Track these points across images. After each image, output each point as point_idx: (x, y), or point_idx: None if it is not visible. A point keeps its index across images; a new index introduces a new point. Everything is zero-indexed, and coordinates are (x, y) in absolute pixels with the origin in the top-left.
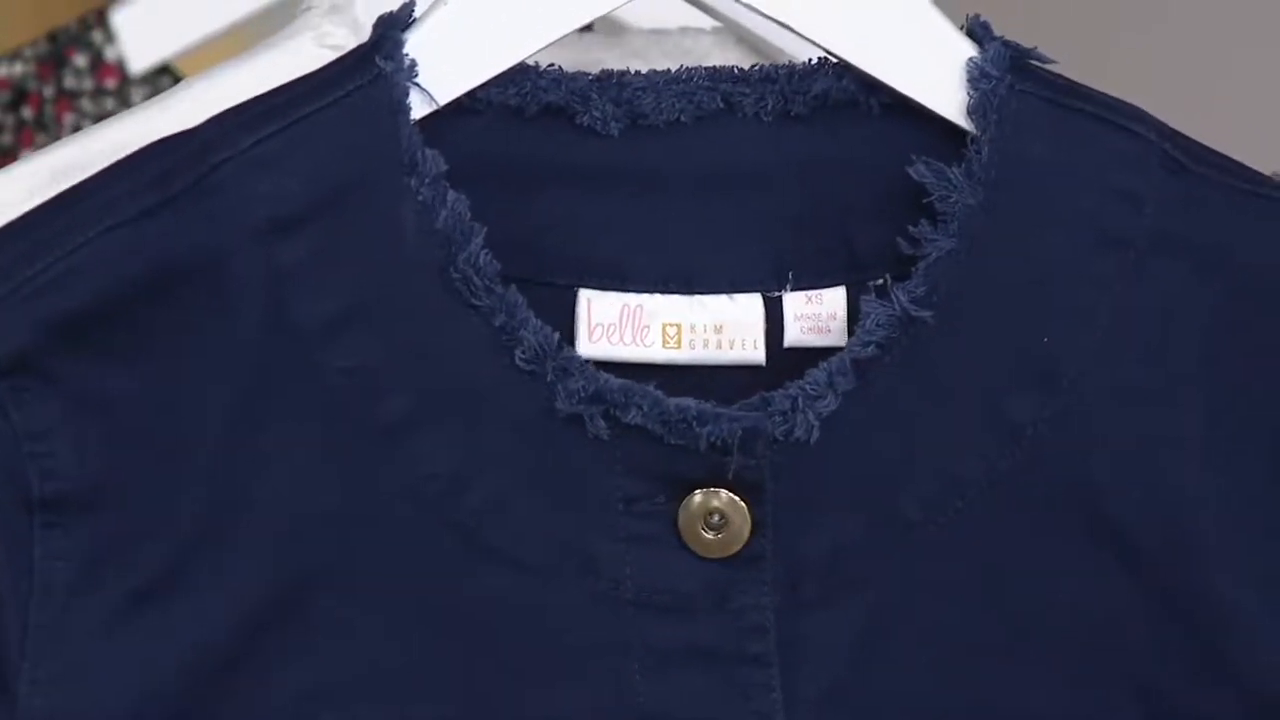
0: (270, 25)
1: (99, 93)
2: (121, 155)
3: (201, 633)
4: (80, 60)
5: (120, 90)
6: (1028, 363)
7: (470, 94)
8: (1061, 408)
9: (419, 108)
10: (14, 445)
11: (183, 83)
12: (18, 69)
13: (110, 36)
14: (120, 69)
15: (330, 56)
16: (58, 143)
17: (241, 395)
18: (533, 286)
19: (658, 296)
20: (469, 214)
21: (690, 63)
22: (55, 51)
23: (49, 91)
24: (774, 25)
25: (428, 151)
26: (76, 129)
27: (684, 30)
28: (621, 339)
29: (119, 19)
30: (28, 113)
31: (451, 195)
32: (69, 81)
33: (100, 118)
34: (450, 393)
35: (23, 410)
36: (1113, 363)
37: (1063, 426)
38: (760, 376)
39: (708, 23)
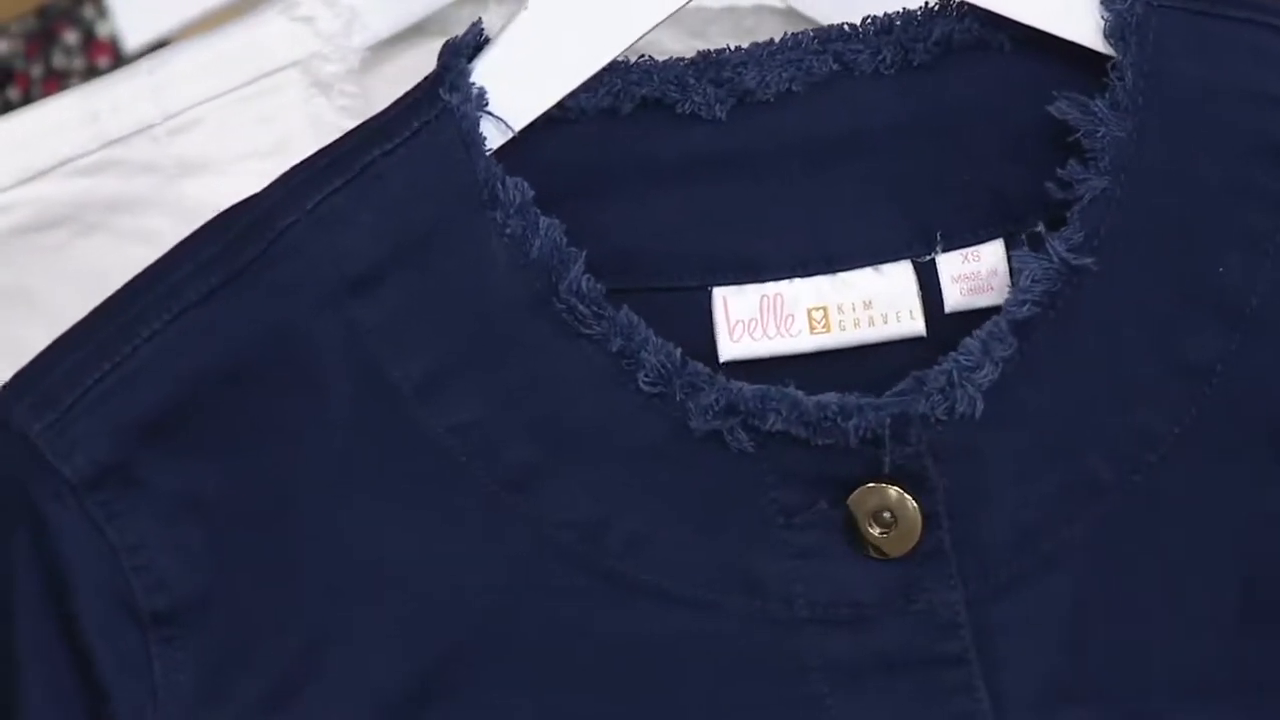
0: None
1: (91, 72)
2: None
3: None
4: (71, 37)
5: (114, 70)
6: (1204, 297)
7: (559, 104)
8: (1247, 340)
9: (496, 136)
10: (114, 563)
11: (146, 59)
12: (4, 47)
13: (103, 12)
14: (114, 47)
15: (301, 31)
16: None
17: (344, 473)
18: (659, 294)
19: (797, 281)
20: (565, 239)
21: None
22: (44, 28)
23: (37, 71)
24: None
25: (509, 181)
26: None
27: (756, 9)
28: (765, 333)
29: None
30: (14, 94)
31: (544, 222)
32: (58, 60)
33: None
34: (573, 432)
35: (117, 524)
36: None
37: (1252, 359)
38: (924, 350)
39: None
